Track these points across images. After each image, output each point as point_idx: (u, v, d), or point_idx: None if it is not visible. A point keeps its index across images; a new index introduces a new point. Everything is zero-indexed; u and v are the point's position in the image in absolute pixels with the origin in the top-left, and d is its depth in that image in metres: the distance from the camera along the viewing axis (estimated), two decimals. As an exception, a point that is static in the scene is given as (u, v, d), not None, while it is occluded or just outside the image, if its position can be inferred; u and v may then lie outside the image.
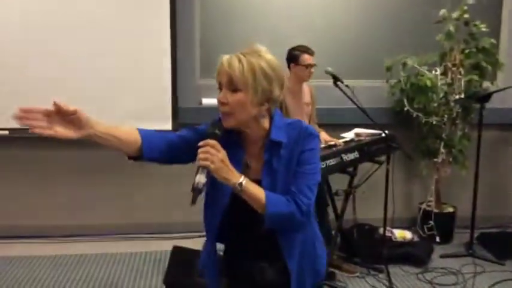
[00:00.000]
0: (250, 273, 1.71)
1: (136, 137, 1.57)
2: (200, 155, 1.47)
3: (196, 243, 3.93)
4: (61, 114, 1.41)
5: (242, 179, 1.51)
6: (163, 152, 1.61)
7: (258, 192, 1.53)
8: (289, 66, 3.55)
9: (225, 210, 1.63)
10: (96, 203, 4.20)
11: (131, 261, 3.76)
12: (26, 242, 4.01)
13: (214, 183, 1.56)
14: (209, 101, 4.18)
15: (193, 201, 1.47)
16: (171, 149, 1.62)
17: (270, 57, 1.57)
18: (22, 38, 3.87)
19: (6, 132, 3.89)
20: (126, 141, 1.54)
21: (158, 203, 4.25)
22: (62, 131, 1.42)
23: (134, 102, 4.02)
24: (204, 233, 1.72)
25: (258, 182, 1.57)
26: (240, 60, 1.52)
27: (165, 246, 3.84)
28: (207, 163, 1.47)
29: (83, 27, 3.90)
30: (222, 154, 1.49)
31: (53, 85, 3.80)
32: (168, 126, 4.08)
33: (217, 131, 1.54)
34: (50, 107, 1.40)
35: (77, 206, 4.17)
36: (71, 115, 1.41)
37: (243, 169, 1.61)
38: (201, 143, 1.49)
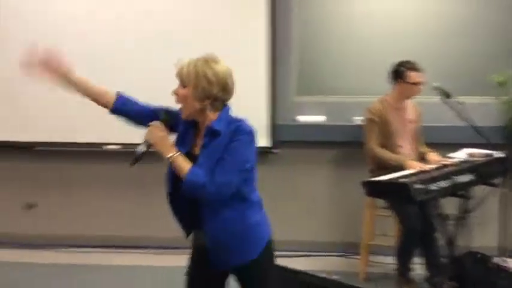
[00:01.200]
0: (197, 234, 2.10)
1: (111, 93, 2.17)
2: (146, 132, 1.97)
3: (288, 262, 3.85)
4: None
5: (172, 154, 1.93)
6: (133, 111, 2.15)
7: (185, 165, 1.92)
8: (393, 82, 3.40)
9: (171, 184, 2.05)
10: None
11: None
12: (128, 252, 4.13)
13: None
14: (305, 118, 4.11)
15: (132, 164, 1.96)
16: (141, 114, 2.13)
17: (220, 67, 1.97)
18: (117, 46, 4.02)
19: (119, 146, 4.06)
20: (97, 92, 2.17)
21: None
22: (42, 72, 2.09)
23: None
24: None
25: (196, 159, 1.95)
26: (189, 65, 1.95)
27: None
28: (149, 137, 1.95)
29: (180, 43, 3.92)
30: (162, 134, 1.96)
31: (147, 95, 3.89)
32: (265, 143, 4.05)
33: (164, 117, 2.02)
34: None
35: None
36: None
37: (191, 146, 2.02)
38: (149, 124, 1.98)
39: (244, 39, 4.00)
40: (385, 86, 3.53)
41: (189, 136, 2.04)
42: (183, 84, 1.95)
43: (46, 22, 4.03)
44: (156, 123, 1.98)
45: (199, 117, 2.00)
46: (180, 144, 2.01)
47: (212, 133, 1.96)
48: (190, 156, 1.97)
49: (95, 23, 4.04)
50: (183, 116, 2.00)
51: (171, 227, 4.25)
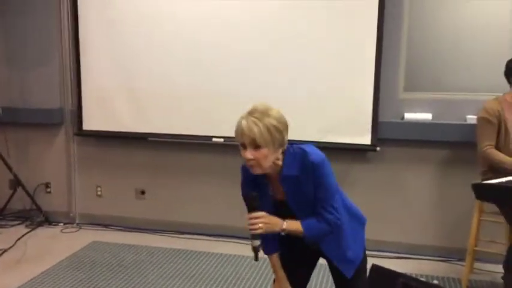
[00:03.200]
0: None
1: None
2: (250, 227, 2.04)
3: (387, 264, 3.77)
4: None
5: (283, 225, 2.06)
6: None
7: (297, 226, 2.07)
8: (508, 80, 3.20)
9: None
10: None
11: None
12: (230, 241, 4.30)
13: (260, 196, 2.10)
14: (412, 116, 3.98)
15: (256, 259, 2.12)
16: None
17: (275, 112, 1.98)
18: (241, 49, 4.15)
19: (222, 140, 4.25)
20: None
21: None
22: None
23: (334, 114, 4.04)
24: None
25: (285, 204, 2.10)
26: (256, 124, 1.92)
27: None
28: (258, 231, 2.04)
29: (294, 43, 4.04)
30: (264, 218, 2.04)
31: (258, 94, 3.99)
32: (367, 140, 4.00)
33: (254, 195, 2.07)
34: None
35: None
36: None
37: (271, 196, 2.13)
38: (247, 217, 2.05)
39: (352, 37, 3.96)
40: (501, 84, 3.33)
41: (264, 187, 2.12)
42: (258, 146, 1.94)
43: (180, 27, 4.26)
44: (253, 215, 2.05)
45: (271, 167, 2.04)
46: (261, 200, 2.09)
47: (287, 178, 2.05)
48: (276, 203, 2.12)
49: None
50: (257, 173, 2.02)
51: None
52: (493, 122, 3.23)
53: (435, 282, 3.52)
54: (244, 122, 1.95)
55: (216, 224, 4.47)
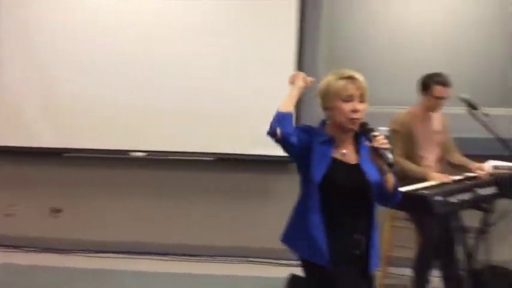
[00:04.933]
0: (349, 245, 2.04)
1: None
2: (382, 141, 1.94)
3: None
4: None
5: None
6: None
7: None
8: (420, 94, 3.40)
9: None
10: (219, 225, 4.31)
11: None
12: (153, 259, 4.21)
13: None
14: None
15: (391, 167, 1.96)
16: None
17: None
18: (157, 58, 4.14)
19: (142, 154, 4.16)
20: None
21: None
22: None
23: (260, 128, 4.06)
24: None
25: (357, 167, 2.06)
26: (357, 78, 2.03)
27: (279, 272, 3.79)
28: (389, 146, 1.96)
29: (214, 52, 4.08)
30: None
31: (176, 105, 4.01)
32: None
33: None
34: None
35: (204, 226, 4.31)
36: None
37: (336, 159, 2.04)
38: (375, 134, 1.97)
39: (272, 44, 4.08)
40: (412, 98, 3.54)
41: (323, 147, 2.05)
42: (363, 100, 2.02)
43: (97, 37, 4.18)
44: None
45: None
46: (317, 158, 2.02)
47: (359, 141, 2.09)
48: (346, 166, 2.05)
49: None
50: (355, 127, 2.03)
51: (192, 233, 4.38)
52: (401, 132, 3.41)
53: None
54: (356, 74, 2.03)
55: (138, 241, 4.36)
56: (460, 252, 3.34)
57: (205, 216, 4.31)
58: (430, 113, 3.38)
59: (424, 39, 4.06)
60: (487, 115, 3.10)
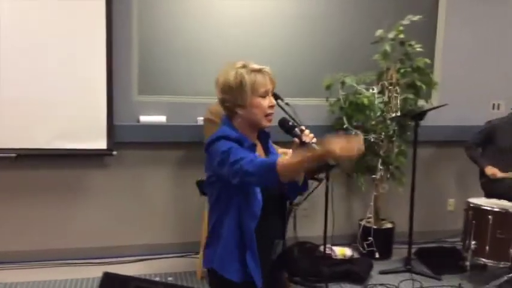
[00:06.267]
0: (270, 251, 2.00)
1: None
2: (311, 135, 1.87)
3: (129, 268, 3.78)
4: None
5: None
6: None
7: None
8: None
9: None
10: (24, 227, 3.95)
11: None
12: None
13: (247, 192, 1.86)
14: (147, 118, 4.06)
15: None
16: None
17: None
18: None
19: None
20: None
21: (93, 227, 4.06)
22: None
23: (67, 121, 3.83)
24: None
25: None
26: (269, 71, 1.91)
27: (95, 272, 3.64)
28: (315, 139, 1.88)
29: (26, 43, 3.71)
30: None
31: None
32: (103, 145, 3.91)
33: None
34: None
35: (6, 230, 3.91)
36: None
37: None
38: (302, 128, 1.89)
39: (82, 38, 3.82)
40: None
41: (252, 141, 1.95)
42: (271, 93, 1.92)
43: None
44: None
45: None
46: None
47: (266, 136, 2.02)
48: None
49: None
50: (269, 124, 1.93)
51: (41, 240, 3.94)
52: (216, 122, 3.51)
53: (170, 279, 3.68)
54: (267, 69, 1.89)
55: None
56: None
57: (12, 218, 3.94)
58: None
59: (237, 29, 4.20)
60: (289, 105, 3.35)
